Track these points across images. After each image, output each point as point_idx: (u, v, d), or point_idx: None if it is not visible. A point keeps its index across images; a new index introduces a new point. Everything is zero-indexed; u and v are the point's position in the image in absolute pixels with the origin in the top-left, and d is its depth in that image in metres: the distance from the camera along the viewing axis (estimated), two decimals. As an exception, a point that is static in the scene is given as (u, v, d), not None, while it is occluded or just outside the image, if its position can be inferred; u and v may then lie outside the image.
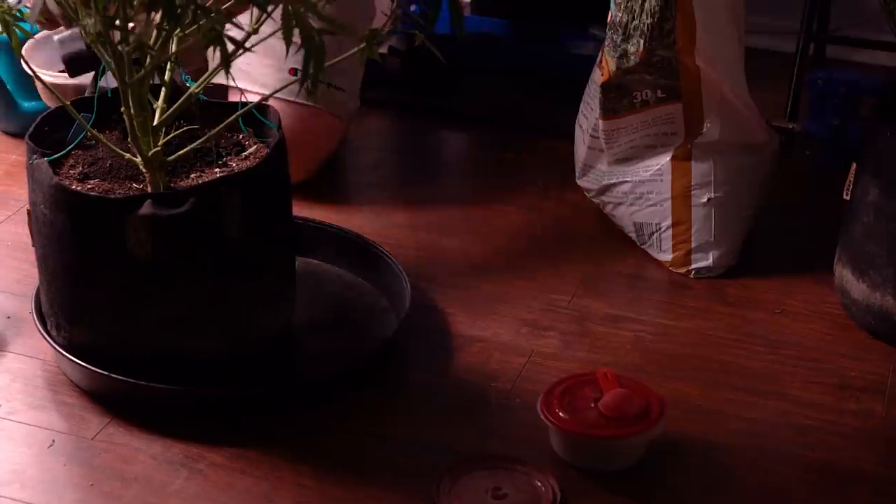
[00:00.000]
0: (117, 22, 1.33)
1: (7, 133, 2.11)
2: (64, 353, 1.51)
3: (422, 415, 1.51)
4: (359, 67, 2.02)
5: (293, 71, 1.89)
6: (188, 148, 1.50)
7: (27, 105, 2.06)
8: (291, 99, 1.91)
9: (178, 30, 1.35)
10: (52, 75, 1.86)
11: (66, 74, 1.66)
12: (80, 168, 1.52)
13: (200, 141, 1.51)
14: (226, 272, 1.48)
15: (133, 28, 1.35)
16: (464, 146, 2.22)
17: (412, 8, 2.39)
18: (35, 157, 1.50)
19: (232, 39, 1.29)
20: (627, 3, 1.70)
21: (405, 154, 2.16)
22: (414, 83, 2.29)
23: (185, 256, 1.46)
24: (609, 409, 1.42)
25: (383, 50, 2.34)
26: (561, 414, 1.42)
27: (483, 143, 2.18)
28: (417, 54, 2.33)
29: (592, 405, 1.43)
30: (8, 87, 2.05)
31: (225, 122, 1.51)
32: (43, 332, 1.54)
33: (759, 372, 1.59)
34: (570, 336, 1.65)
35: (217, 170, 1.52)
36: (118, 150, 1.51)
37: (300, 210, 1.88)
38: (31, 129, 1.55)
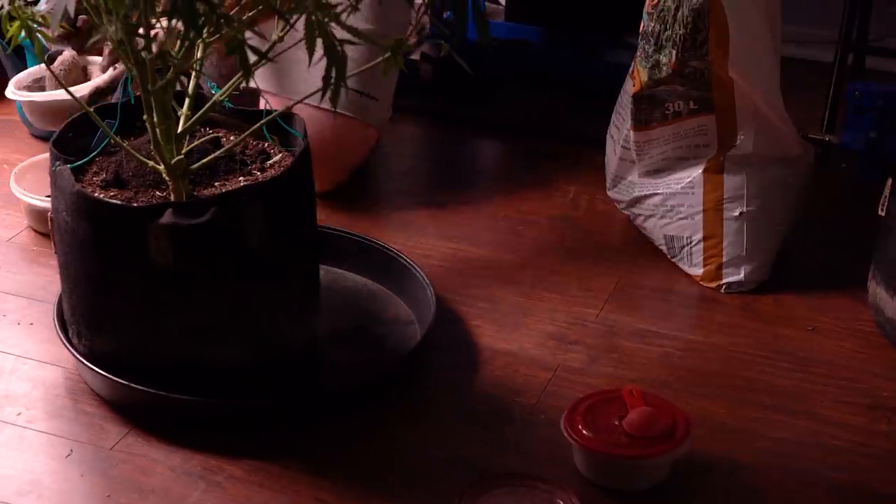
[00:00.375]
0: (140, 30, 1.32)
1: (36, 136, 2.10)
2: (84, 361, 1.50)
3: (444, 429, 1.49)
4: (392, 76, 2.01)
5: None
6: (211, 157, 1.49)
7: (57, 109, 2.06)
8: (323, 107, 1.90)
9: (202, 37, 1.33)
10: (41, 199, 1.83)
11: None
12: (104, 175, 1.51)
13: (224, 150, 1.50)
14: (248, 282, 1.47)
15: (155, 35, 1.34)
16: (495, 154, 2.20)
17: (445, 14, 2.37)
18: (58, 163, 1.49)
19: (254, 49, 1.27)
20: (660, 13, 1.67)
21: (436, 162, 2.14)
22: (446, 90, 2.28)
23: (206, 265, 1.44)
24: (634, 427, 1.40)
25: (416, 56, 2.32)
26: (585, 432, 1.40)
27: (514, 151, 2.16)
28: (450, 61, 2.31)
29: (617, 423, 1.41)
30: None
31: (248, 131, 1.49)
32: (64, 340, 1.53)
33: (788, 390, 1.56)
34: (596, 351, 1.63)
35: (241, 178, 1.50)
36: (141, 157, 1.50)
37: (328, 217, 1.87)
38: (54, 136, 1.54)
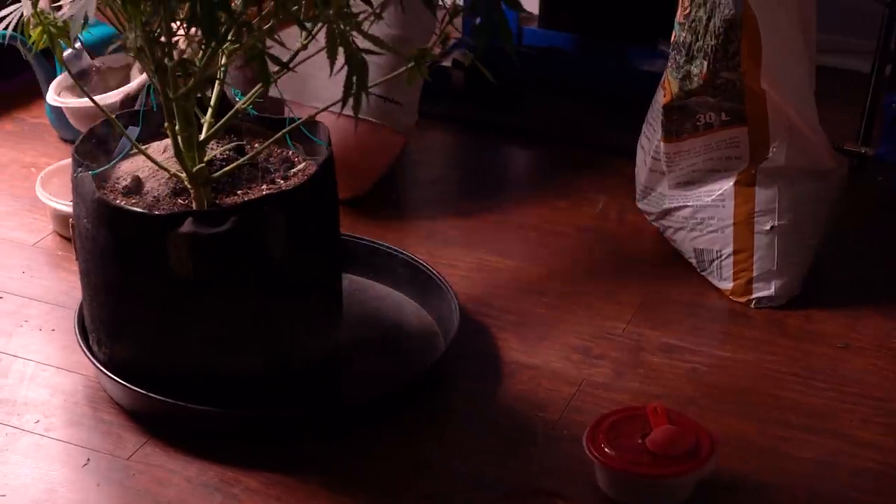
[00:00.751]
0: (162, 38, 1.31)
1: (65, 140, 2.10)
2: (103, 369, 1.49)
3: (465, 444, 1.47)
4: (417, 82, 1.98)
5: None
6: (233, 165, 1.48)
7: (85, 112, 2.05)
8: (347, 113, 1.87)
9: (225, 45, 1.32)
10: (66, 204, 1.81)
11: None
12: (126, 182, 1.49)
13: (246, 158, 1.48)
14: (268, 291, 1.46)
15: (176, 43, 1.32)
16: (524, 163, 2.17)
17: (479, 20, 2.34)
18: (80, 170, 1.48)
19: (274, 58, 1.26)
20: (691, 23, 1.64)
21: (464, 170, 2.12)
22: (477, 97, 2.25)
23: (226, 275, 1.43)
24: (657, 445, 1.37)
25: (447, 63, 2.30)
26: (607, 449, 1.38)
27: (544, 160, 2.13)
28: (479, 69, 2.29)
29: (640, 441, 1.38)
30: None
31: (270, 140, 1.48)
32: (84, 347, 1.52)
33: (818, 409, 1.53)
34: (622, 365, 1.60)
35: (264, 187, 1.49)
36: (163, 165, 1.48)
37: (354, 225, 1.86)
38: (76, 142, 1.53)
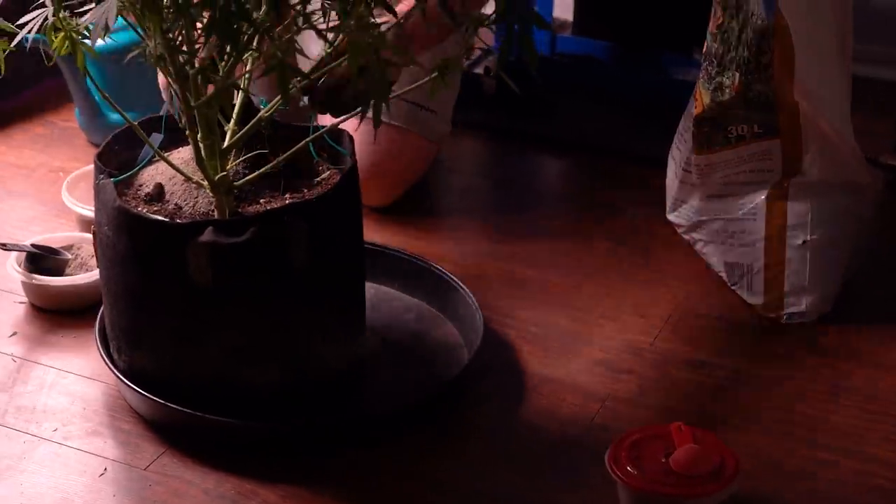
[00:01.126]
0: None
1: (95, 144, 2.09)
2: (122, 378, 1.48)
3: (486, 460, 1.45)
4: (452, 90, 1.97)
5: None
6: (256, 174, 1.46)
7: (114, 116, 2.04)
8: (384, 119, 1.86)
9: (242, 55, 1.30)
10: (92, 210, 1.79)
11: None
12: (148, 189, 1.48)
13: (269, 167, 1.47)
14: (289, 302, 1.44)
15: (198, 51, 1.31)
16: (555, 172, 2.15)
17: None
18: (102, 177, 1.47)
19: (295, 69, 1.24)
20: (723, 34, 1.62)
21: (495, 178, 2.10)
22: (509, 105, 2.23)
23: (246, 284, 1.41)
24: (680, 465, 1.35)
25: (479, 70, 2.28)
26: (629, 469, 1.35)
27: (575, 169, 2.11)
28: (514, 76, 2.27)
29: (663, 460, 1.36)
30: (95, 98, 2.04)
31: (293, 149, 1.46)
32: (104, 355, 1.51)
33: (847, 429, 1.49)
34: (648, 381, 1.58)
35: (287, 196, 1.47)
36: (185, 173, 1.47)
37: (382, 233, 1.84)
38: (100, 148, 1.52)
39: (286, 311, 1.44)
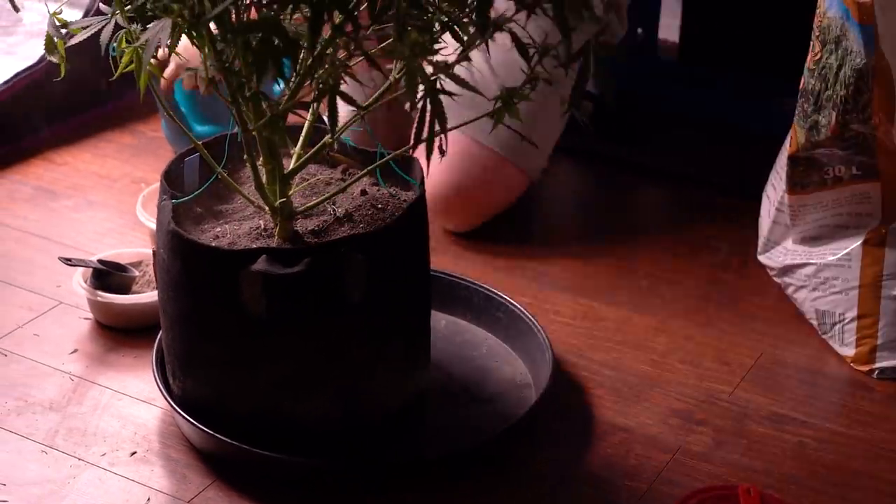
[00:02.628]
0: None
1: (180, 156, 2.07)
2: (172, 403, 1.44)
3: (543, 511, 1.38)
4: (556, 124, 1.89)
5: None
6: (318, 200, 1.41)
7: (200, 129, 2.01)
8: (479, 139, 1.80)
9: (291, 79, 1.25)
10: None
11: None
12: (207, 212, 1.44)
13: (331, 194, 1.42)
14: (344, 335, 1.38)
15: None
16: (646, 202, 2.06)
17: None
18: (164, 197, 1.43)
19: (345, 95, 1.19)
20: (821, 70, 1.52)
21: (582, 207, 2.02)
22: (605, 130, 2.14)
23: (300, 315, 1.36)
24: (744, 532, 1.27)
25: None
26: (690, 531, 1.28)
27: (667, 200, 2.02)
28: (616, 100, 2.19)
29: (727, 525, 1.28)
30: (182, 109, 2.01)
31: (355, 177, 1.41)
32: (158, 379, 1.47)
33: (938, 501, 1.40)
34: (724, 434, 1.49)
35: (346, 226, 1.41)
36: (247, 196, 1.43)
37: (458, 260, 1.78)
38: (167, 166, 1.49)
39: (341, 345, 1.39)
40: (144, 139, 2.12)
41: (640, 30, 2.25)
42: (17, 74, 2.07)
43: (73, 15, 2.20)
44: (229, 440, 1.39)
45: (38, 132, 2.08)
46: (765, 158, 1.78)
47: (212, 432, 1.39)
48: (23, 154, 2.04)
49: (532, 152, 1.83)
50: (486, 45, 1.20)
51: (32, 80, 2.06)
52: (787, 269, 1.68)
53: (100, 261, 1.66)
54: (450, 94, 1.18)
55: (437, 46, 1.19)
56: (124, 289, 1.65)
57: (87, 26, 1.33)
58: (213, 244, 1.37)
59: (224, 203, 1.47)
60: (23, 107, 2.06)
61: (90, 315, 1.66)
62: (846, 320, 1.61)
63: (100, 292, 1.62)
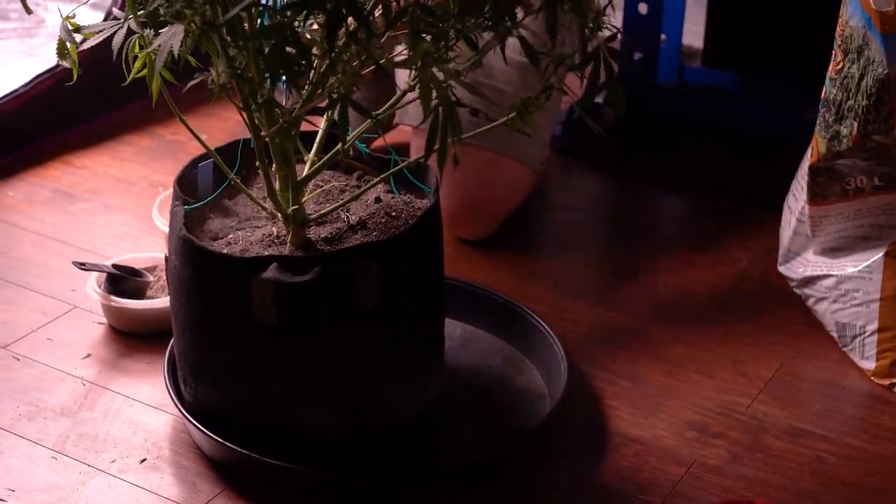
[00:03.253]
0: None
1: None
2: (183, 410, 1.43)
3: (555, 524, 1.37)
4: (549, 112, 1.86)
5: (473, 111, 1.73)
6: (331, 208, 1.40)
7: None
8: (473, 142, 1.76)
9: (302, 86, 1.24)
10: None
11: None
12: (220, 218, 1.43)
13: (345, 201, 1.40)
14: (356, 343, 1.37)
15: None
16: (666, 211, 2.04)
17: (636, 56, 2.23)
18: (177, 203, 1.42)
19: (357, 105, 1.18)
20: (843, 80, 1.50)
21: (601, 216, 2.00)
22: (627, 137, 2.12)
23: (311, 323, 1.35)
24: (757, 549, 1.25)
25: (599, 99, 2.19)
26: (702, 547, 1.26)
27: (688, 209, 2.00)
28: (634, 106, 2.17)
29: (741, 541, 1.26)
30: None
31: (369, 185, 1.40)
32: (170, 385, 1.46)
33: (956, 519, 1.37)
34: (740, 448, 1.47)
35: (359, 234, 1.40)
36: (260, 202, 1.42)
37: (474, 269, 1.77)
38: (180, 172, 1.48)
39: (353, 353, 1.38)
40: (163, 142, 2.11)
41: (663, 36, 2.23)
42: (38, 76, 2.07)
43: (95, 17, 2.20)
44: (240, 449, 1.38)
45: (58, 134, 2.08)
46: (789, 167, 1.76)
47: (222, 441, 1.38)
48: (42, 156, 2.04)
49: (524, 141, 1.79)
50: (503, 52, 1.19)
51: (56, 81, 2.06)
52: (808, 281, 1.66)
53: (114, 265, 1.65)
54: (463, 105, 1.17)
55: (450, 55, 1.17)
56: (139, 294, 1.65)
57: (100, 31, 1.33)
58: (225, 251, 1.36)
59: (238, 209, 1.46)
60: (44, 109, 2.06)
61: (104, 320, 1.65)
62: (867, 333, 1.59)
63: (113, 297, 1.62)
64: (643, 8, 2.19)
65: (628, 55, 2.22)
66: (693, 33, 2.30)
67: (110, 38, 1.31)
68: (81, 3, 1.43)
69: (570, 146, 2.09)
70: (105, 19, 2.10)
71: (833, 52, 1.53)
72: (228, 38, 1.21)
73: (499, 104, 1.40)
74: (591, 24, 1.19)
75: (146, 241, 1.83)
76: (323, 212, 1.40)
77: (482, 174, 1.78)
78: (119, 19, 1.31)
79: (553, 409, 1.48)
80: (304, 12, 1.18)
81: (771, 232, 1.80)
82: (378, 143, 1.93)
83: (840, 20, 1.51)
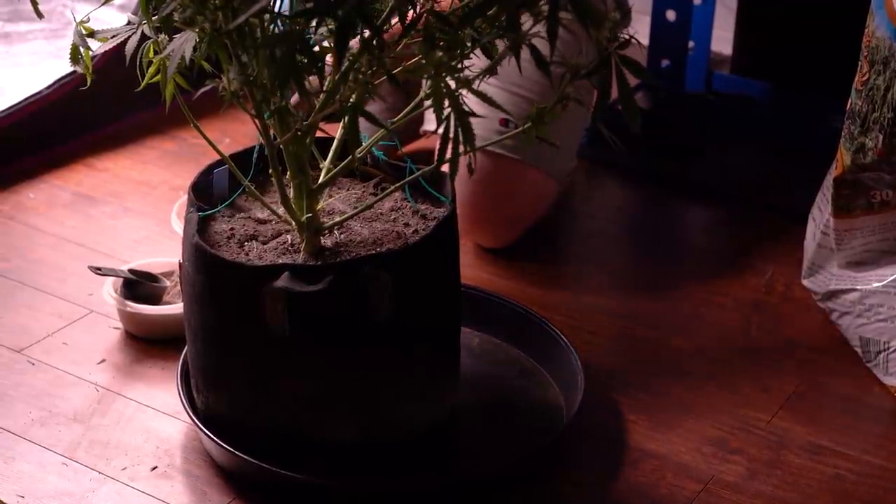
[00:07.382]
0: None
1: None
2: (194, 418, 1.42)
3: (567, 539, 1.35)
4: (578, 122, 1.85)
5: (503, 121, 1.72)
6: (346, 216, 1.39)
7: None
8: (498, 151, 1.75)
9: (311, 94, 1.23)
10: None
11: None
12: (234, 225, 1.42)
13: (359, 210, 1.39)
14: (369, 354, 1.36)
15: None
16: (691, 221, 2.01)
17: (664, 63, 2.21)
18: (191, 209, 1.41)
19: (369, 115, 1.16)
20: (868, 91, 1.48)
21: (625, 225, 1.97)
22: (654, 145, 2.10)
23: (323, 333, 1.34)
24: (772, 570, 1.22)
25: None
26: (716, 567, 1.23)
27: (716, 220, 1.97)
28: (662, 115, 2.15)
29: (755, 562, 1.24)
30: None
31: (385, 193, 1.39)
32: (182, 393, 1.45)
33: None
34: (759, 464, 1.45)
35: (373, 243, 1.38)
36: (274, 210, 1.41)
37: (494, 278, 1.75)
38: (196, 177, 1.47)
39: (366, 363, 1.36)
40: (186, 146, 2.11)
41: (691, 43, 2.20)
42: (60, 78, 2.07)
43: (123, 19, 2.19)
44: (251, 459, 1.36)
45: (80, 136, 2.08)
46: (817, 177, 1.73)
47: (233, 450, 1.37)
48: (65, 159, 2.04)
49: (553, 154, 1.77)
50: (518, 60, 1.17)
51: (78, 84, 2.05)
52: (832, 295, 1.63)
53: (131, 270, 1.65)
54: (475, 115, 1.15)
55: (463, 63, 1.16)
56: (155, 299, 1.64)
57: (115, 35, 1.32)
58: (236, 259, 1.34)
59: (252, 215, 1.44)
60: (66, 111, 2.06)
61: (120, 325, 1.64)
62: (891, 349, 1.56)
63: (129, 302, 1.61)
64: (671, 14, 2.17)
65: (655, 62, 2.20)
66: (722, 39, 2.27)
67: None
68: (103, 3, 1.42)
69: (597, 154, 2.07)
70: (129, 21, 2.10)
71: (859, 63, 1.50)
72: (239, 45, 1.19)
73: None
74: (607, 33, 1.16)
75: (165, 246, 1.82)
76: (338, 220, 1.39)
77: (507, 184, 1.76)
78: (133, 24, 1.30)
79: (569, 422, 1.46)
80: (316, 20, 1.17)
81: (797, 243, 1.78)
82: (408, 147, 1.92)
83: (866, 31, 1.49)
